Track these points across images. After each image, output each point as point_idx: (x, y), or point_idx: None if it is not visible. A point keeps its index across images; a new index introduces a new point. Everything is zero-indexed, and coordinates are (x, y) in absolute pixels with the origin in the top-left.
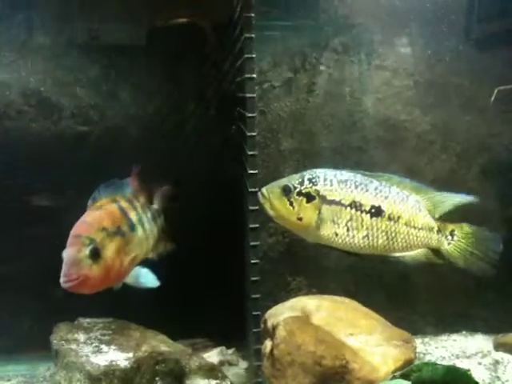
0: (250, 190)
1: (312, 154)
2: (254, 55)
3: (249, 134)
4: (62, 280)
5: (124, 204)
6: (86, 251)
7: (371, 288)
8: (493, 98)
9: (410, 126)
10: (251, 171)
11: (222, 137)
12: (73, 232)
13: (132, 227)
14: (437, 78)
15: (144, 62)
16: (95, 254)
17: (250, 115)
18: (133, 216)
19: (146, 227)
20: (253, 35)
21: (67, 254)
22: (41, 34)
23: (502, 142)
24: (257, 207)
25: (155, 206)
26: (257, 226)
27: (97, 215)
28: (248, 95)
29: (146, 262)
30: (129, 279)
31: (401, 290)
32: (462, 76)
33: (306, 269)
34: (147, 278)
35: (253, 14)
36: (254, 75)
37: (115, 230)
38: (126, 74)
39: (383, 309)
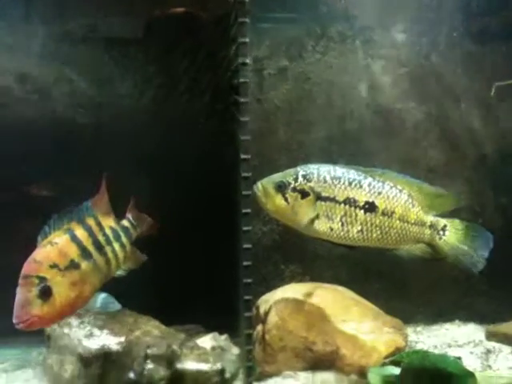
0: (242, 175)
1: (308, 143)
2: (247, 40)
3: (242, 119)
4: (13, 321)
5: (79, 232)
6: (36, 291)
7: (364, 276)
8: (492, 93)
9: (406, 115)
10: (244, 156)
11: (218, 123)
12: (22, 272)
13: (88, 256)
14: (432, 68)
15: (141, 51)
16: (45, 293)
17: (243, 100)
18: (88, 244)
19: (107, 250)
20: (246, 20)
21: (17, 295)
22: (37, 23)
23: (498, 132)
24: (249, 192)
25: (129, 216)
26: (249, 211)
27: (46, 252)
28: (241, 80)
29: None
30: (87, 306)
31: (394, 279)
32: (458, 66)
33: (299, 257)
34: (106, 304)
35: None
36: (248, 60)
37: (67, 264)
38: (123, 64)
39: (376, 297)
